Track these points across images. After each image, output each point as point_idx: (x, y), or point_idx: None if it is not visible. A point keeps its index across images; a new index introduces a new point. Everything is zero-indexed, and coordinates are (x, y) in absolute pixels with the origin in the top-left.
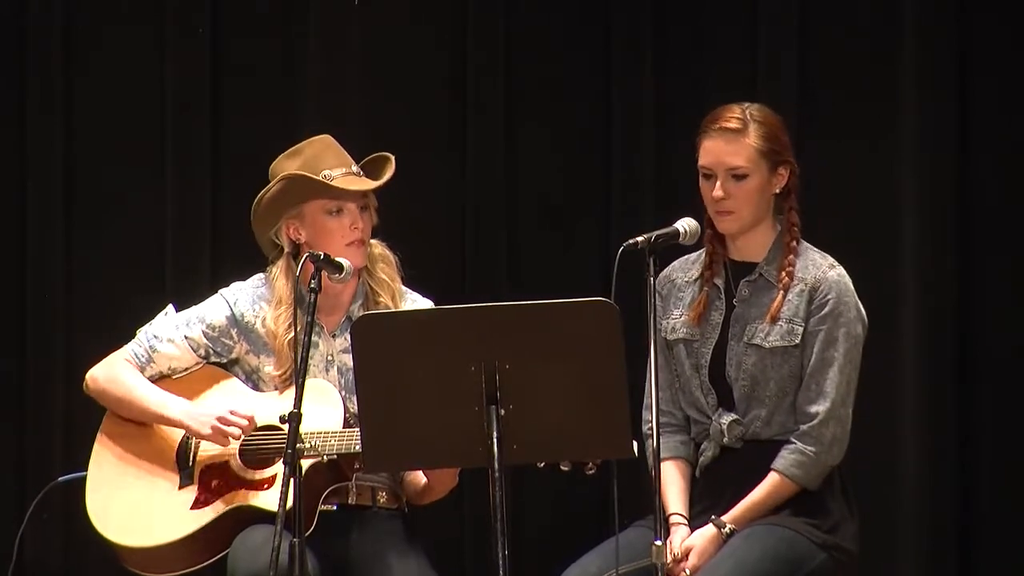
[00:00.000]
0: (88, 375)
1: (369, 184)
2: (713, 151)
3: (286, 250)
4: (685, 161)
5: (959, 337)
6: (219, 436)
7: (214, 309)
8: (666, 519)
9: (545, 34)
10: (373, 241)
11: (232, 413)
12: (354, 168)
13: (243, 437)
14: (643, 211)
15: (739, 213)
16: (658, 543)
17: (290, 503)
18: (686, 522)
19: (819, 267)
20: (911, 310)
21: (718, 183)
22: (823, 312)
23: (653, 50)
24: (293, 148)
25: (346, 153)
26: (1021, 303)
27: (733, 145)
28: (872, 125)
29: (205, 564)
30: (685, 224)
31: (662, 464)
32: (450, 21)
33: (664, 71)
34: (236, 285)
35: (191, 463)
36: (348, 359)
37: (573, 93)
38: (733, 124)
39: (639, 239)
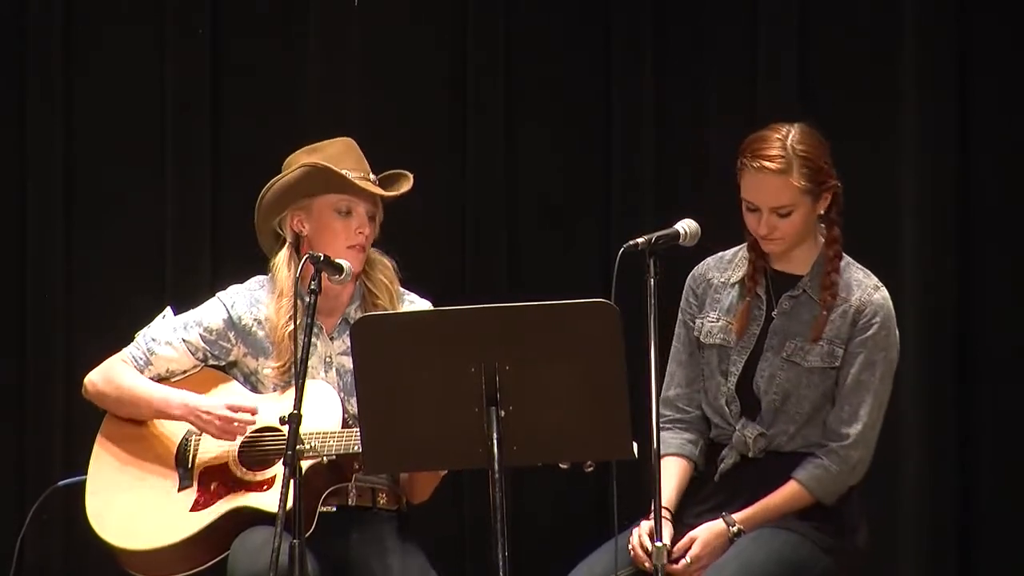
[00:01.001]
0: (86, 379)
1: (386, 192)
2: (755, 189)
3: (288, 241)
4: (685, 161)
5: (959, 337)
6: (225, 433)
7: (211, 312)
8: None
9: (545, 34)
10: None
11: (233, 408)
12: (371, 176)
13: (241, 439)
14: (643, 211)
15: (786, 240)
16: (659, 543)
17: (290, 504)
18: (670, 516)
19: (864, 288)
20: (911, 310)
21: (763, 219)
22: (865, 335)
23: (653, 50)
24: (313, 145)
25: (365, 160)
26: (1021, 303)
27: (775, 186)
28: (872, 125)
29: (205, 566)
30: (685, 225)
31: (663, 460)
32: (450, 21)
33: (664, 71)
34: (233, 288)
35: (190, 465)
36: (347, 361)
37: (573, 93)
38: (775, 165)
39: (639, 240)
